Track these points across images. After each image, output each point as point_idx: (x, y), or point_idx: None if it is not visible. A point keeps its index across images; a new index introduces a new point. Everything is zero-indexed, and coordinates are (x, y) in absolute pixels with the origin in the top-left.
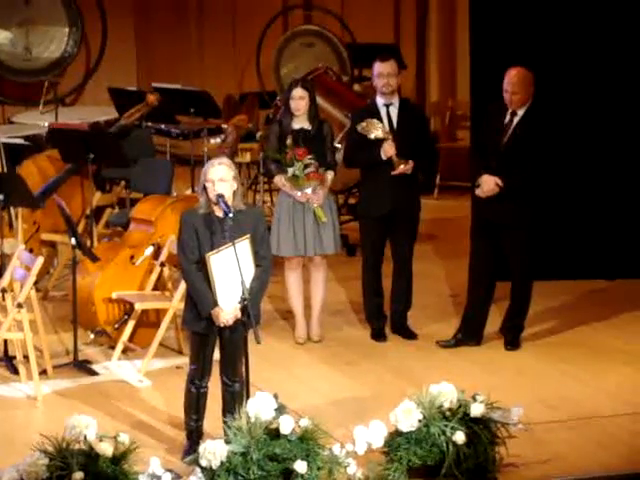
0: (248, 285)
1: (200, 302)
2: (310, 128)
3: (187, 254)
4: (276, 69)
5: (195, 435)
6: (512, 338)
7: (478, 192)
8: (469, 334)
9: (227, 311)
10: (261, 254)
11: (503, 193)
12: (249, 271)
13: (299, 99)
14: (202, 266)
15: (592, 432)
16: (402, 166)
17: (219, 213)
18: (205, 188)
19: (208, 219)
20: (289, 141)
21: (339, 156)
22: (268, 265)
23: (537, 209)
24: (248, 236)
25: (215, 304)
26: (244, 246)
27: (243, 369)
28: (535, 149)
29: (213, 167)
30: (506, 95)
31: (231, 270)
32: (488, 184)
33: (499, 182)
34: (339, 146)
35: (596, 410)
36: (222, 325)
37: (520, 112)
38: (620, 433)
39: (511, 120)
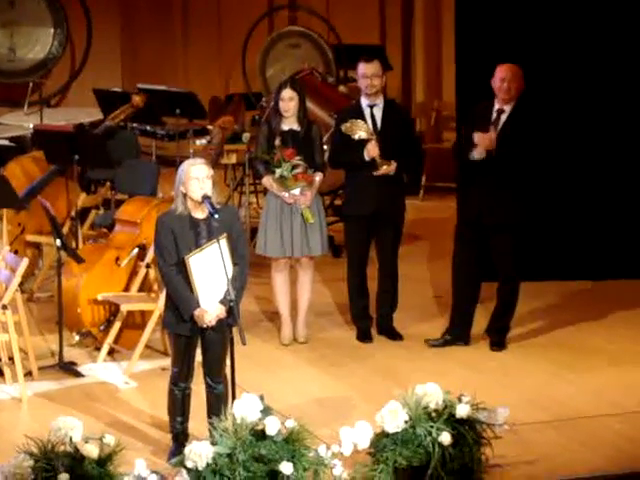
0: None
1: (182, 304)
2: (299, 129)
3: (165, 257)
4: (262, 70)
5: (181, 437)
6: (498, 339)
7: (475, 155)
8: (457, 334)
9: (210, 312)
10: (239, 253)
11: (493, 193)
12: (228, 270)
13: (288, 100)
14: (182, 268)
15: (577, 432)
16: (385, 167)
17: (197, 214)
18: (181, 189)
19: (185, 220)
20: (277, 142)
21: (325, 157)
22: (245, 264)
23: (526, 210)
24: (225, 235)
25: (197, 305)
26: (222, 245)
27: (227, 370)
28: (525, 143)
29: (195, 165)
30: (502, 85)
31: (211, 270)
32: (484, 140)
33: (493, 136)
34: (325, 147)
35: (581, 410)
36: (205, 326)
37: (507, 109)
38: (605, 433)
39: (498, 117)
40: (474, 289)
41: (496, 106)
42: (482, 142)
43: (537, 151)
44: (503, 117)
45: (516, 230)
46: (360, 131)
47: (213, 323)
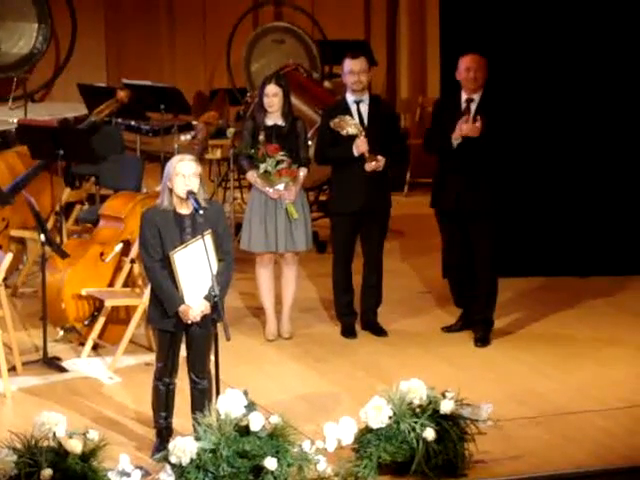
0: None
1: (166, 300)
2: (283, 124)
3: (150, 252)
4: (246, 65)
5: (165, 432)
6: (482, 334)
7: (455, 142)
8: (469, 319)
9: (195, 308)
10: (224, 249)
11: (470, 178)
12: (213, 266)
13: (273, 96)
14: (166, 264)
15: (560, 428)
16: (374, 163)
17: (182, 210)
18: (168, 184)
19: (170, 216)
20: (261, 137)
21: (310, 152)
22: (231, 260)
23: (505, 200)
24: (210, 231)
25: (181, 302)
26: (207, 241)
27: (211, 365)
28: (499, 128)
29: (183, 162)
30: (469, 74)
31: (195, 267)
32: (474, 129)
33: (479, 125)
34: (310, 142)
35: (564, 406)
36: (190, 322)
37: (476, 97)
38: (588, 429)
39: (468, 107)
40: (469, 271)
41: (464, 96)
42: (471, 133)
43: (511, 137)
44: (473, 106)
45: (494, 218)
46: (349, 127)
47: (198, 319)
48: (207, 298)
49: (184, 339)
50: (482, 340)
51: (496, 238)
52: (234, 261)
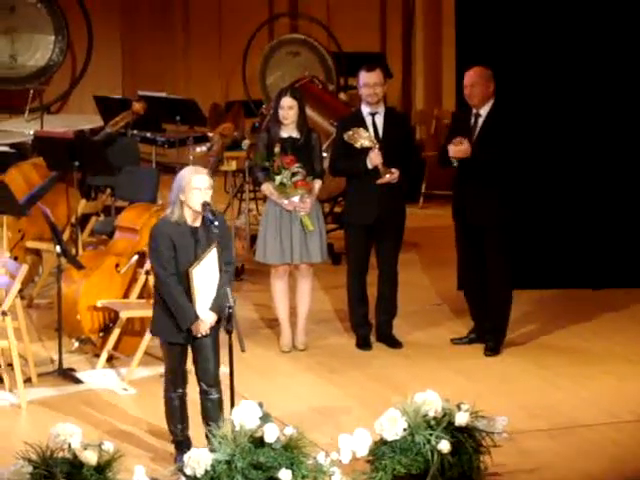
0: (220, 292)
1: (181, 315)
2: (298, 137)
3: (165, 266)
4: (262, 77)
5: (184, 444)
6: (493, 344)
7: (454, 162)
8: (481, 332)
9: (206, 321)
10: (227, 259)
11: (479, 188)
12: (217, 277)
13: (288, 108)
14: (181, 278)
15: (574, 441)
16: (388, 175)
17: (193, 222)
18: (180, 197)
19: (183, 229)
20: (277, 149)
21: (325, 164)
22: (232, 269)
23: (517, 213)
24: (216, 243)
25: (196, 316)
26: (216, 254)
27: (225, 377)
28: (502, 143)
29: (199, 175)
30: (466, 91)
31: (208, 279)
32: (457, 152)
33: (464, 147)
34: (325, 154)
35: (578, 419)
36: (200, 336)
37: (483, 112)
38: (602, 441)
39: (476, 122)
40: (483, 286)
41: (473, 110)
42: (456, 154)
43: (518, 151)
44: (480, 120)
45: (505, 231)
46: (363, 139)
47: (208, 332)
48: (212, 309)
49: (191, 350)
50: (492, 349)
51: (509, 251)
52: (249, 273)
